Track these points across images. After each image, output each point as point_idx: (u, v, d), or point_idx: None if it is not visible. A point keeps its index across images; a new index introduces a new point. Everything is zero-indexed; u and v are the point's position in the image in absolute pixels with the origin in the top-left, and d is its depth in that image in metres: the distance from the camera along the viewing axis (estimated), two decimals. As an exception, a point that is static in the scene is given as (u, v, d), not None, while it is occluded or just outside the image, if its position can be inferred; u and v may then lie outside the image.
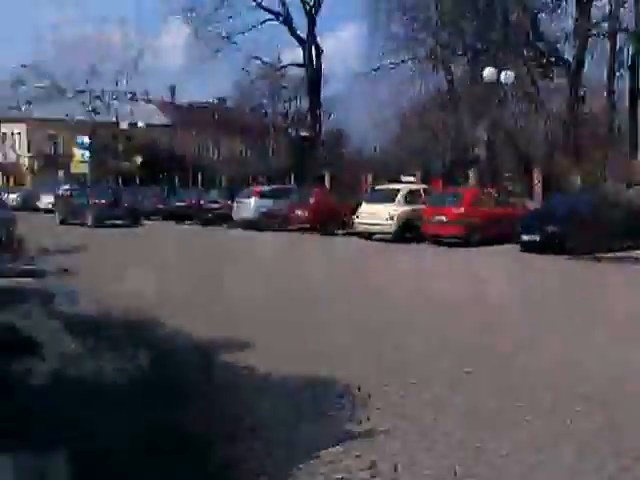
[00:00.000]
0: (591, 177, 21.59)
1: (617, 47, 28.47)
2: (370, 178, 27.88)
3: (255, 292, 9.41)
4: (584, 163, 23.94)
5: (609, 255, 14.09)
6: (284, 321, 7.42)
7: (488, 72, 23.47)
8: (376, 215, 19.21)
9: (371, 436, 3.89)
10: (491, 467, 3.56)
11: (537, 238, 15.99)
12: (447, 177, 27.31)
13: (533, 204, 20.41)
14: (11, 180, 56.29)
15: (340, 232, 21.28)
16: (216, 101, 62.52)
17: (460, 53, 32.98)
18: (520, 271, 13.35)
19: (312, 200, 22.20)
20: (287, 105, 51.32)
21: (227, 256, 15.64)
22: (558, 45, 29.66)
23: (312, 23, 38.93)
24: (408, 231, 18.90)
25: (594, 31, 28.43)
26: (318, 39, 40.20)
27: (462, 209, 18.00)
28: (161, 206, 30.19)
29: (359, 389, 4.73)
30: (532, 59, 30.06)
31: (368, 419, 4.17)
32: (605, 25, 28.07)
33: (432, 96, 33.66)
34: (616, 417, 4.38)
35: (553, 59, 28.98)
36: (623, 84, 31.19)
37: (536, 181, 21.95)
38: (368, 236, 19.63)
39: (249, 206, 23.94)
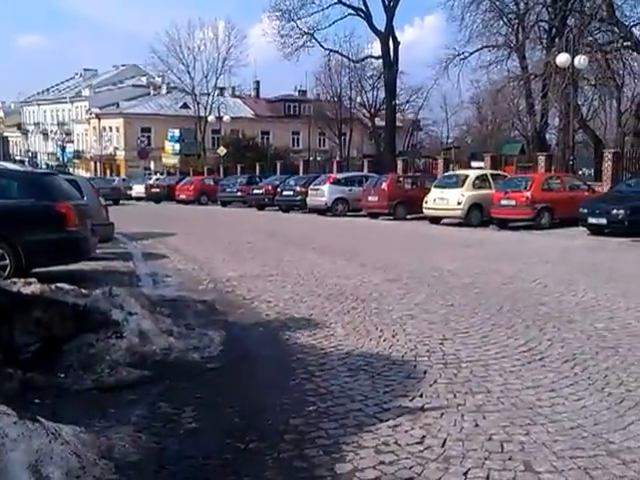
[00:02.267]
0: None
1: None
2: (441, 164, 28.22)
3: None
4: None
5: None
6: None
7: (562, 57, 23.32)
8: (445, 200, 19.78)
9: (423, 412, 4.14)
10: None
11: (604, 221, 16.13)
12: (519, 162, 27.40)
13: (602, 188, 20.30)
14: (108, 171, 60.04)
15: (409, 217, 21.95)
16: (297, 94, 64.14)
17: (535, 39, 32.68)
18: (575, 250, 13.58)
19: (384, 186, 22.89)
20: (366, 96, 51.92)
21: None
22: (634, 29, 29.04)
23: (390, 17, 39.33)
24: (476, 215, 19.36)
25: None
26: (396, 32, 40.57)
27: (530, 193, 18.26)
28: (240, 194, 31.85)
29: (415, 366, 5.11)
30: (607, 43, 29.50)
31: (421, 396, 4.44)
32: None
33: (507, 83, 33.40)
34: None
35: (628, 43, 28.30)
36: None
37: (606, 165, 21.74)
38: (437, 220, 20.22)
39: (323, 192, 24.96)
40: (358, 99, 52.68)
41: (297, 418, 4.09)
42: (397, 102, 44.16)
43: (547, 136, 36.30)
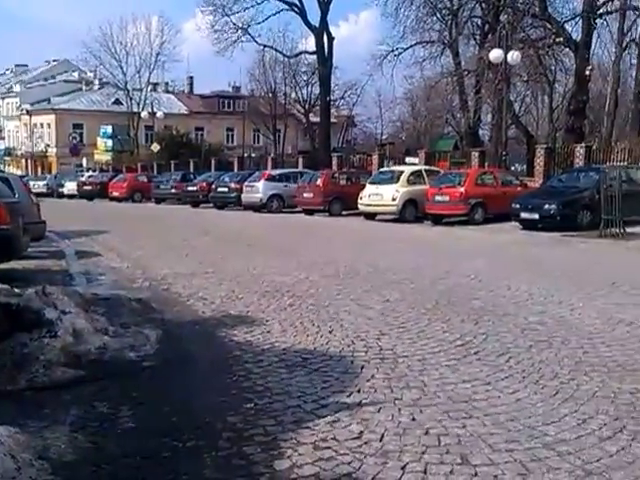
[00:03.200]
0: (595, 156, 22.03)
1: (625, 25, 28.82)
2: (376, 160, 28.47)
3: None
4: (588, 143, 24.36)
5: (607, 231, 14.51)
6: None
7: (495, 53, 23.76)
8: (380, 196, 19.95)
9: (360, 407, 4.14)
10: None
11: (536, 216, 16.53)
12: (453, 158, 27.92)
13: (535, 184, 20.87)
14: (39, 168, 58.29)
15: (345, 213, 22.05)
16: (231, 90, 63.69)
17: (469, 35, 33.36)
18: (508, 245, 13.93)
19: (319, 182, 22.92)
20: (301, 91, 51.94)
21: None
22: (566, 25, 29.93)
23: (324, 12, 39.40)
24: (411, 211, 19.60)
25: (602, 10, 28.66)
26: (330, 27, 40.69)
27: (463, 189, 18.58)
28: (174, 190, 31.43)
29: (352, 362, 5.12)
30: (540, 39, 30.27)
31: (358, 391, 4.43)
32: (613, 3, 28.27)
33: (440, 79, 33.99)
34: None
35: (560, 39, 29.17)
36: (624, 65, 31.62)
37: (538, 161, 22.39)
38: (372, 216, 20.39)
39: (258, 189, 24.83)
40: (293, 95, 52.63)
41: (235, 416, 4.02)
42: (332, 98, 44.25)
43: (480, 132, 37.13)
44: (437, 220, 18.90)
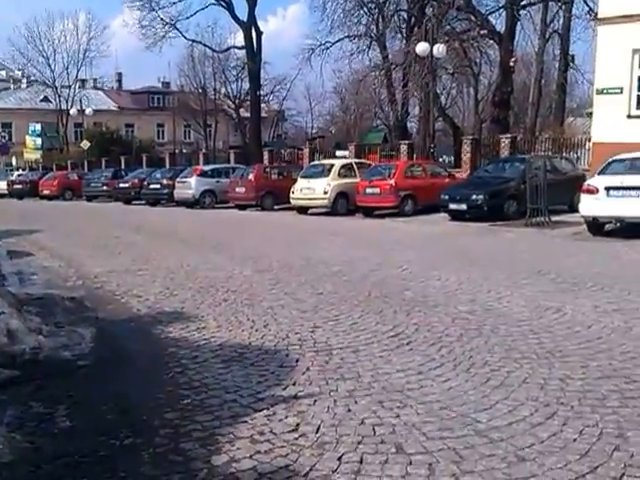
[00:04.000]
0: (520, 147, 22.73)
1: (548, 16, 29.74)
2: (307, 154, 28.57)
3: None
4: (513, 133, 25.10)
5: (533, 220, 14.95)
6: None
7: (421, 46, 24.13)
8: (311, 190, 20.03)
9: (296, 400, 4.18)
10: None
11: (464, 207, 16.88)
12: (382, 151, 28.31)
13: (462, 174, 21.35)
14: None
15: (277, 207, 22.03)
16: (161, 85, 62.66)
17: (395, 29, 33.83)
18: (438, 236, 14.24)
19: (251, 177, 22.82)
20: (231, 87, 51.55)
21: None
22: (490, 17, 30.64)
23: (252, 7, 39.17)
24: (342, 204, 19.77)
25: (525, 1, 29.49)
26: (259, 22, 40.44)
27: (393, 181, 18.84)
28: (106, 188, 30.88)
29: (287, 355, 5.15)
30: (465, 32, 30.88)
31: (294, 384, 4.47)
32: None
33: (368, 73, 34.35)
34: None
35: (485, 31, 29.81)
36: (547, 56, 32.72)
37: (465, 152, 22.92)
38: (304, 210, 20.46)
39: (190, 185, 24.54)
40: (223, 90, 52.24)
41: (172, 412, 4.01)
42: (261, 93, 44.15)
43: (408, 124, 37.79)
44: (368, 213, 19.11)
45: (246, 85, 46.66)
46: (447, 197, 17.28)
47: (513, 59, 29.11)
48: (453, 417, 3.90)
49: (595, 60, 19.56)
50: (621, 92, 18.55)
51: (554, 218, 15.11)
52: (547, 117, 34.91)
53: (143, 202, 27.69)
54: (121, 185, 29.59)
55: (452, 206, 17.13)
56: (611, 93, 18.73)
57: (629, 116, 18.47)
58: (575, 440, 3.57)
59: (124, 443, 3.60)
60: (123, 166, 36.87)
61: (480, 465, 3.29)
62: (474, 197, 16.65)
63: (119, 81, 65.51)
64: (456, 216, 16.97)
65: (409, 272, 9.08)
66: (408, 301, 7.11)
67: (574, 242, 12.57)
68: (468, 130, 34.72)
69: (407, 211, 18.75)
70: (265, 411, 4.01)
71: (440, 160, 24.27)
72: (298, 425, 3.79)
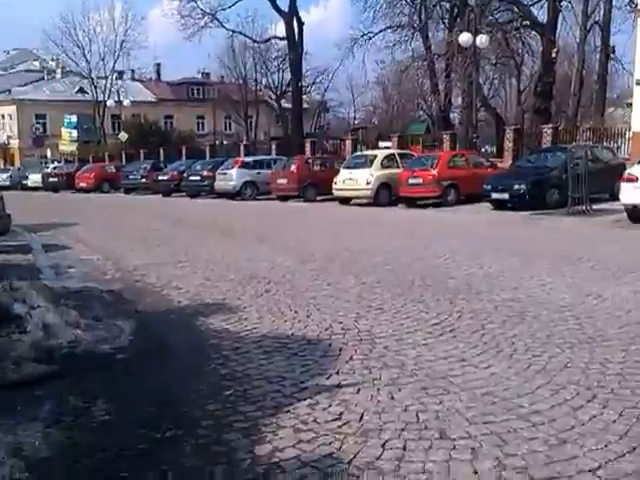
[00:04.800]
0: (561, 137, 22.35)
1: (589, 8, 29.19)
2: (349, 145, 28.49)
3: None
4: (555, 124, 24.69)
5: (575, 209, 14.78)
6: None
7: (464, 37, 23.90)
8: (354, 180, 19.99)
9: (340, 389, 4.17)
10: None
11: (506, 196, 16.73)
12: (425, 141, 28.09)
13: (504, 164, 21.08)
14: (1, 161, 56.98)
15: (319, 198, 22.04)
16: (200, 76, 63.07)
17: (438, 19, 33.48)
18: (480, 225, 14.07)
19: (293, 168, 22.87)
20: (272, 77, 51.66)
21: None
22: (532, 8, 30.25)
23: (294, -4, 39.10)
24: (385, 195, 19.68)
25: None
26: (300, 12, 40.37)
27: (436, 171, 18.70)
28: (144, 180, 31.03)
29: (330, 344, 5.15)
30: (507, 22, 30.57)
31: (337, 373, 4.46)
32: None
33: (411, 63, 34.05)
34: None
35: (527, 22, 29.49)
36: (588, 47, 32.06)
37: (508, 142, 22.60)
38: (346, 201, 20.44)
39: (231, 177, 24.70)
40: (264, 81, 52.40)
41: (214, 404, 4.01)
42: (303, 83, 44.15)
43: (451, 115, 37.37)
44: (411, 203, 19.00)
45: (287, 76, 46.65)
46: (489, 187, 17.14)
47: (555, 50, 28.66)
48: (496, 402, 3.88)
49: (635, 51, 19.16)
50: (660, 82, 18.12)
51: (595, 207, 14.91)
52: (588, 108, 34.18)
53: (183, 194, 27.82)
54: (160, 177, 29.51)
55: (494, 195, 16.99)
56: (650, 83, 18.30)
57: (668, 106, 18.03)
58: (615, 422, 3.57)
59: (165, 435, 3.58)
60: (162, 158, 36.78)
61: (523, 448, 3.29)
62: (516, 186, 16.50)
63: (158, 72, 65.63)
64: (498, 205, 16.84)
65: (452, 261, 9.01)
66: (451, 289, 7.06)
67: (614, 230, 12.40)
68: (510, 120, 34.20)
69: (450, 201, 18.60)
70: (308, 400, 4.01)
71: (482, 150, 23.93)
72: (341, 414, 3.79)
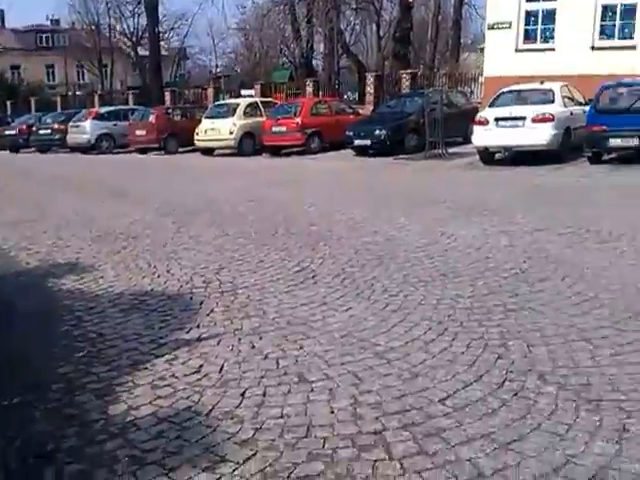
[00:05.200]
0: (420, 82, 22.97)
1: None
2: (211, 94, 27.79)
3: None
4: (414, 69, 25.31)
5: (432, 153, 15.32)
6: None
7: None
8: (216, 130, 19.57)
9: (200, 342, 4.12)
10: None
11: (368, 142, 17.04)
12: (289, 89, 27.92)
13: (366, 111, 21.41)
14: None
15: (181, 150, 21.41)
16: (49, 23, 58.70)
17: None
18: (344, 172, 14.32)
19: (152, 119, 22.00)
20: (127, 23, 48.95)
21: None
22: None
23: None
24: (249, 144, 19.46)
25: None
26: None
27: (299, 119, 18.67)
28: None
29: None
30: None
31: (198, 326, 4.40)
32: None
33: (272, 8, 33.49)
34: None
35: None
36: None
37: (369, 89, 22.94)
38: (210, 152, 20.01)
39: (85, 129, 23.42)
40: (118, 27, 49.56)
41: (66, 366, 3.83)
42: (160, 29, 42.26)
43: (314, 62, 37.30)
44: (275, 152, 18.94)
45: (143, 21, 44.43)
46: (352, 133, 17.40)
47: (411, -5, 29.20)
48: (353, 343, 3.98)
49: (487, -5, 19.94)
50: (510, 27, 19.17)
51: (451, 150, 15.55)
52: (445, 53, 35.35)
53: (33, 149, 26.24)
54: (7, 132, 27.72)
55: (357, 142, 17.28)
56: (501, 28, 19.27)
57: (517, 50, 19.15)
58: (463, 353, 3.78)
59: (13, 402, 3.40)
60: (9, 112, 34.46)
61: (377, 384, 3.39)
62: (377, 132, 16.84)
63: (1, 19, 60.69)
64: (361, 152, 17.16)
65: (315, 208, 9.10)
66: (314, 236, 7.13)
67: (468, 172, 13.04)
68: (372, 67, 34.67)
69: (314, 149, 18.73)
70: (167, 356, 3.91)
71: (345, 97, 24.18)
72: (201, 366, 3.73)
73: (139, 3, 44.67)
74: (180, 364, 3.79)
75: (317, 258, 6.14)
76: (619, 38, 18.21)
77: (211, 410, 3.20)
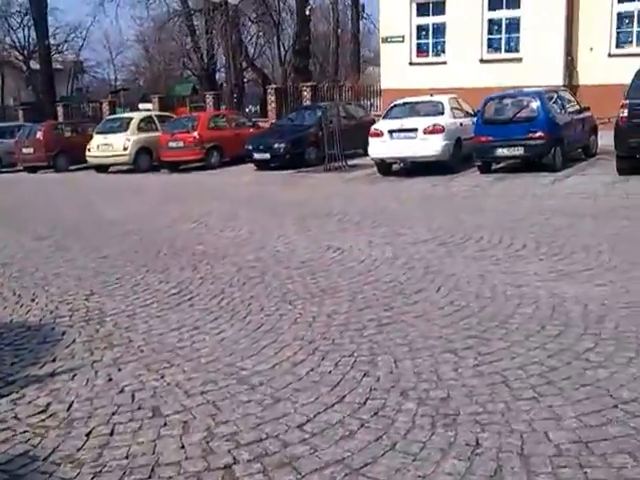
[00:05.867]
0: (325, 95, 23.08)
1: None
2: (107, 108, 26.96)
3: None
4: (318, 81, 25.47)
5: (332, 165, 15.29)
6: None
7: (217, -7, 23.50)
8: (109, 146, 18.89)
9: (52, 378, 3.87)
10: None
11: (267, 156, 16.87)
12: (192, 102, 27.47)
13: (267, 124, 21.28)
14: None
15: (73, 167, 20.53)
16: None
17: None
18: (242, 186, 14.15)
19: (39, 136, 20.97)
20: (16, 35, 46.82)
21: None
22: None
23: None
24: (145, 160, 18.91)
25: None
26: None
27: (197, 133, 18.30)
28: None
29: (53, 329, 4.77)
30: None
31: (53, 360, 4.13)
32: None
33: (168, 20, 32.91)
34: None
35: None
36: (344, 6, 33.54)
37: (271, 101, 22.87)
38: (104, 169, 19.29)
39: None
40: (7, 39, 47.33)
41: None
42: (53, 42, 40.68)
43: (217, 75, 36.89)
44: (174, 168, 18.45)
45: (33, 33, 42.57)
46: (251, 147, 17.13)
47: (309, 7, 29.41)
48: (219, 369, 3.83)
49: (379, 10, 20.37)
50: (403, 40, 19.62)
51: (350, 162, 15.61)
52: (349, 66, 35.84)
53: None
54: None
55: (256, 156, 17.04)
56: (395, 41, 19.70)
57: (411, 63, 19.66)
58: (330, 372, 3.69)
59: None
60: None
61: (236, 414, 3.25)
62: (276, 146, 16.67)
63: None
64: (261, 165, 16.93)
65: (205, 225, 8.89)
66: (198, 255, 6.93)
67: (365, 184, 13.08)
68: (277, 80, 34.68)
69: (213, 163, 18.36)
70: (13, 395, 3.64)
71: (247, 110, 23.99)
72: (48, 405, 3.48)
73: (26, 14, 42.82)
74: (26, 403, 3.52)
75: (197, 279, 5.94)
76: (506, 51, 18.99)
77: (50, 454, 2.96)
